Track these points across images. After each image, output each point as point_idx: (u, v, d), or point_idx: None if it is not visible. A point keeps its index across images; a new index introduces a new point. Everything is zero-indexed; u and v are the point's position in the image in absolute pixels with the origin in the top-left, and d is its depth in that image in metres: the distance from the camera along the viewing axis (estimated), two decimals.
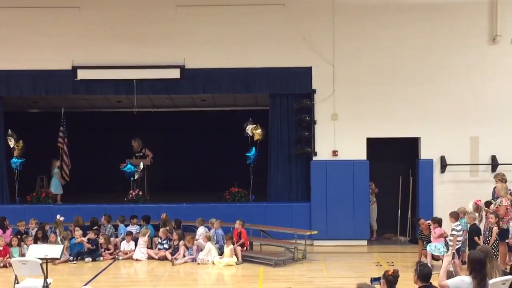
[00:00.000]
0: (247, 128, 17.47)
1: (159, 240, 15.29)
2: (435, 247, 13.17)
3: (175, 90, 17.32)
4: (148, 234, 15.28)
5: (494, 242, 12.45)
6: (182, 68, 16.77)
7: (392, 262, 14.30)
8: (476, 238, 12.84)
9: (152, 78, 16.82)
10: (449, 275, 8.13)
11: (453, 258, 12.82)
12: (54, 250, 10.94)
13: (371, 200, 17.08)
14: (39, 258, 10.36)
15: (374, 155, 16.64)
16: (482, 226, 13.33)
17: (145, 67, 16.71)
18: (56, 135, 18.75)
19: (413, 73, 16.58)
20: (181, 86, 17.05)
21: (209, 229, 15.45)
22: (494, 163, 16.37)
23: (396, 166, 17.25)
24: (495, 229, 12.55)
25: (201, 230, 15.35)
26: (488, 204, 13.61)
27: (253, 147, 17.33)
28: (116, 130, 21.64)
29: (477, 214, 13.54)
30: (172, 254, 14.83)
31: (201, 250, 14.59)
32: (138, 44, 16.79)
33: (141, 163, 17.94)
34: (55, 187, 18.62)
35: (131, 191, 17.65)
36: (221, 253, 14.65)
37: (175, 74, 16.79)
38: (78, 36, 16.88)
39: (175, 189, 21.18)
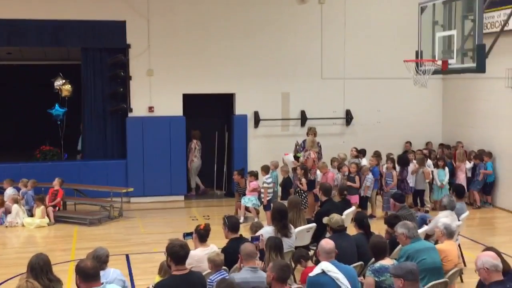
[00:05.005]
0: (55, 83, 16.71)
1: None
2: (248, 199, 13.65)
3: None
4: None
5: (304, 193, 13.19)
6: None
7: (208, 216, 14.63)
8: (291, 190, 13.51)
9: None
10: (257, 225, 8.49)
11: (265, 209, 13.46)
12: None
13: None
14: None
15: (190, 111, 16.70)
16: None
17: None
18: None
19: (227, 29, 16.71)
20: None
21: (19, 190, 14.64)
22: (303, 118, 17.21)
23: (212, 122, 17.47)
24: (304, 181, 13.30)
25: (9, 192, 14.49)
26: (297, 158, 14.35)
27: (56, 104, 16.66)
28: None
29: (290, 168, 14.23)
30: None
31: (9, 213, 13.82)
32: None
33: None
34: None
35: None
36: (31, 214, 13.99)
37: None
38: None
39: None
